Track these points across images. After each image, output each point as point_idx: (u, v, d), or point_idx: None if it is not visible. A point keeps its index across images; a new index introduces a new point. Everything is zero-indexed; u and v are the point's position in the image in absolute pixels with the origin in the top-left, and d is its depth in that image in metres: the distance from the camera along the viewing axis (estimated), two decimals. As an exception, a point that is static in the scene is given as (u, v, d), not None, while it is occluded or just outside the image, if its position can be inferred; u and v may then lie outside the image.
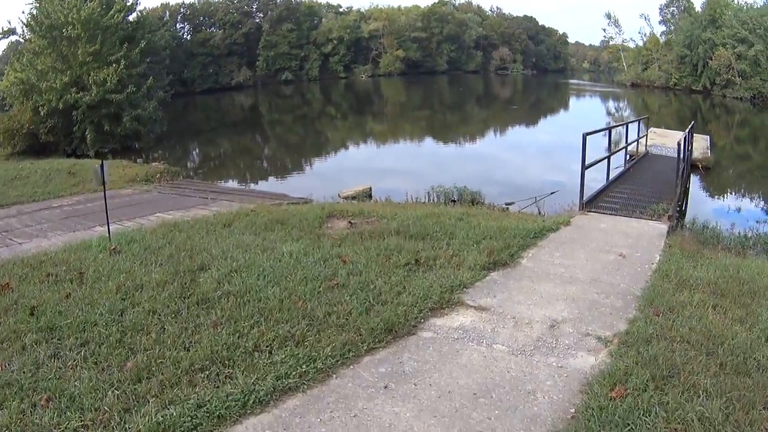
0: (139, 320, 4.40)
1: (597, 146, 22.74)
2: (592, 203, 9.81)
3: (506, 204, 12.83)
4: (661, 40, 64.88)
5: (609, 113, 44.15)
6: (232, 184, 17.97)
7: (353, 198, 13.04)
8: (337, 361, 3.94)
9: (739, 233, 9.53)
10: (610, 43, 79.96)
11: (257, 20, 59.74)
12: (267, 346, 4.03)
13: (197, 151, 26.08)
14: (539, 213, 11.78)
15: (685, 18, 58.71)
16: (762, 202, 15.40)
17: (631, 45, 73.59)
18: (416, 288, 5.22)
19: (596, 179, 11.08)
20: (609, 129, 12.25)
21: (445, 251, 6.43)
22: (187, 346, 4.03)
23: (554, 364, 4.09)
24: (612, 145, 13.13)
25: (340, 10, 72.22)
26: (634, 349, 4.12)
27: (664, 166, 15.21)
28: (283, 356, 3.90)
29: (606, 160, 11.61)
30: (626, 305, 5.12)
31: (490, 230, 7.37)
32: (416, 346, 4.29)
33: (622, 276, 5.94)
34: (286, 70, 59.72)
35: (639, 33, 77.37)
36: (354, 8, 72.55)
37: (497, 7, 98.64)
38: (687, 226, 9.74)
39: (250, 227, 7.46)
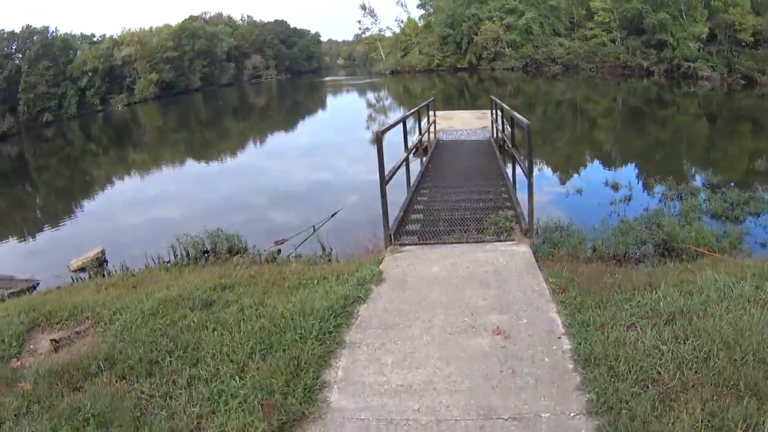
0: None
1: (360, 141, 23.11)
2: (400, 230, 7.21)
3: (276, 244, 10.41)
4: (420, 24, 68.57)
5: (369, 104, 45.10)
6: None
7: (83, 270, 10.90)
8: None
9: (612, 229, 7.80)
10: (366, 34, 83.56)
11: (17, 62, 58.51)
12: None
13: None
14: (324, 251, 9.52)
15: (446, -1, 61.95)
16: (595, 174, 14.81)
17: (389, 34, 77.33)
18: None
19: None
20: (403, 119, 9.75)
21: (186, 405, 3.49)
22: None
23: None
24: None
25: (94, 39, 71.37)
26: None
27: (465, 153, 13.66)
28: None
29: (404, 162, 9.12)
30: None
31: (259, 328, 4.42)
32: None
33: (529, 390, 3.30)
34: (47, 111, 57.70)
35: (396, 20, 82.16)
36: (107, 35, 71.97)
37: (248, 15, 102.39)
38: (537, 231, 7.67)
39: None
